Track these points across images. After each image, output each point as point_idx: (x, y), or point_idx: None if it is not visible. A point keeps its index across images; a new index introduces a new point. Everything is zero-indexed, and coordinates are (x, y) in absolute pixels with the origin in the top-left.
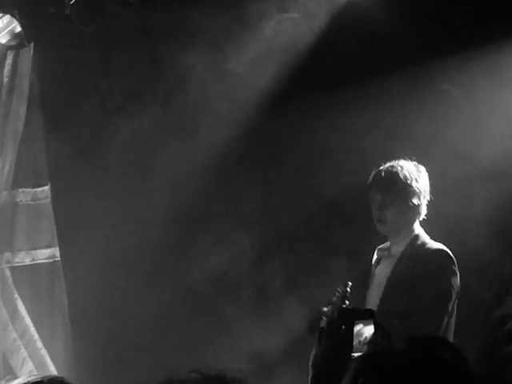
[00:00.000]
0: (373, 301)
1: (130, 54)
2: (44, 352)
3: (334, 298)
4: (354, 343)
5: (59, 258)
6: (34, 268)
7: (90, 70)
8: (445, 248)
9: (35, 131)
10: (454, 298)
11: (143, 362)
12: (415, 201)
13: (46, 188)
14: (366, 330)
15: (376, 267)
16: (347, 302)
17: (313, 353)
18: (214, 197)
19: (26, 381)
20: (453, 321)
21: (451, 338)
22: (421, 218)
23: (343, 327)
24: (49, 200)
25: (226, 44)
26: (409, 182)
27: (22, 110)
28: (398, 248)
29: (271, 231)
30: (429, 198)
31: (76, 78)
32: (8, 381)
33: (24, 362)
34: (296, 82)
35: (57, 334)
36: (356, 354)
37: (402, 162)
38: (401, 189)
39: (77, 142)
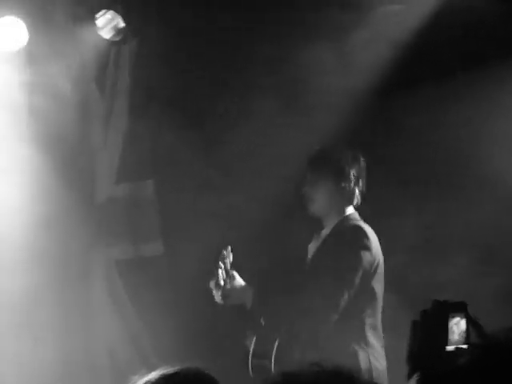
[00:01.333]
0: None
1: (240, 47)
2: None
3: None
4: (449, 336)
5: (163, 252)
6: (139, 261)
7: (194, 63)
8: (361, 225)
9: (139, 126)
10: (360, 271)
11: None
12: (344, 183)
13: (151, 182)
14: (460, 323)
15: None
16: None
17: (407, 347)
18: None
19: (161, 373)
20: (371, 295)
21: (374, 314)
22: (354, 203)
23: (438, 320)
24: (153, 194)
25: (338, 36)
26: (340, 163)
27: (126, 105)
28: (327, 230)
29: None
30: (363, 186)
31: (181, 72)
32: (142, 375)
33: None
34: (403, 74)
35: (161, 325)
36: (450, 348)
37: (337, 147)
38: (330, 169)
39: (184, 137)
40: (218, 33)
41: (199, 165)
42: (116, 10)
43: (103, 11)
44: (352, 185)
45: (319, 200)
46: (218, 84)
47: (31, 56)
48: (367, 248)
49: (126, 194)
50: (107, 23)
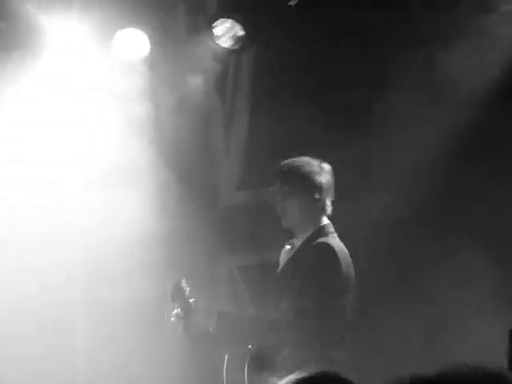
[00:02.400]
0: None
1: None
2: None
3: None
4: None
5: None
6: (260, 268)
7: (314, 69)
8: (328, 241)
9: (260, 133)
10: (330, 290)
11: None
12: (316, 195)
13: (271, 189)
14: None
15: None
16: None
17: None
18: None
19: (299, 377)
20: (340, 311)
21: (339, 328)
22: (327, 213)
23: None
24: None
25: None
26: (309, 175)
27: (247, 113)
28: (299, 242)
29: None
30: (332, 196)
31: (298, 80)
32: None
33: None
34: None
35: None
36: None
37: (305, 158)
38: (300, 181)
39: (304, 144)
40: (338, 38)
41: None
42: (235, 19)
43: (222, 20)
44: (324, 195)
45: (292, 213)
46: (338, 91)
47: (152, 66)
48: (336, 270)
49: (247, 200)
50: (226, 32)
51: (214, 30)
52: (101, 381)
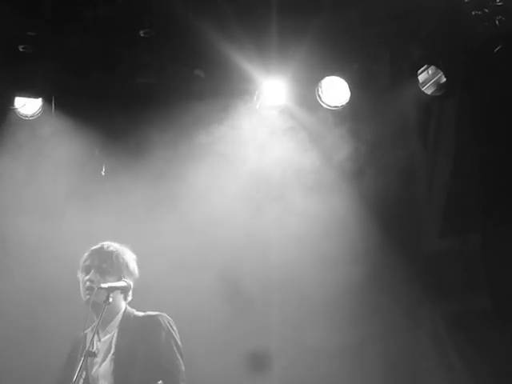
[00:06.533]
0: (102, 376)
1: None
2: None
3: None
4: None
5: (490, 307)
6: (465, 317)
7: None
8: (160, 313)
9: (462, 182)
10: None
11: None
12: (129, 280)
13: (477, 236)
14: None
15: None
16: None
17: None
18: None
19: None
20: None
21: None
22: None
23: None
24: (478, 246)
25: None
26: (127, 262)
27: (450, 161)
28: (114, 324)
29: None
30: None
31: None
32: None
33: None
34: None
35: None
36: None
37: (116, 244)
38: (121, 268)
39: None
40: None
41: None
42: (437, 65)
43: (425, 66)
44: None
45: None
46: None
47: (353, 114)
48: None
49: (451, 247)
50: (429, 78)
51: (418, 77)
52: None
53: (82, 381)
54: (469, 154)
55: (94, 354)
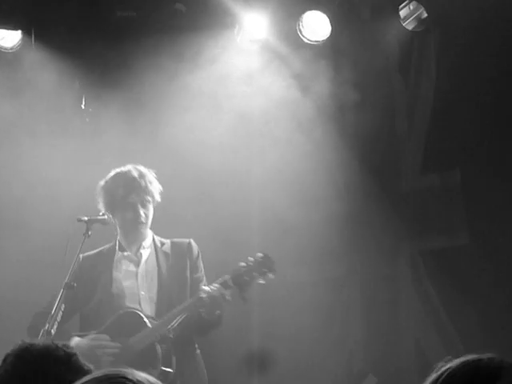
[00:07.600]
0: (141, 296)
1: None
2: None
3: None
4: None
5: (468, 242)
6: (443, 251)
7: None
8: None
9: (445, 115)
10: None
11: None
12: (158, 198)
13: (456, 173)
14: None
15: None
16: None
17: None
18: None
19: (462, 360)
20: None
21: None
22: None
23: None
24: (459, 183)
25: None
26: (154, 183)
27: (431, 94)
28: (146, 243)
29: None
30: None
31: (483, 63)
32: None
33: None
34: None
35: (465, 313)
36: None
37: (140, 166)
38: (151, 189)
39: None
40: None
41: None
42: (419, 1)
43: (406, 2)
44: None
45: (147, 220)
46: None
47: (334, 49)
48: None
49: (431, 184)
50: (410, 14)
51: (399, 13)
52: None
53: (60, 313)
54: (450, 91)
55: (72, 287)
